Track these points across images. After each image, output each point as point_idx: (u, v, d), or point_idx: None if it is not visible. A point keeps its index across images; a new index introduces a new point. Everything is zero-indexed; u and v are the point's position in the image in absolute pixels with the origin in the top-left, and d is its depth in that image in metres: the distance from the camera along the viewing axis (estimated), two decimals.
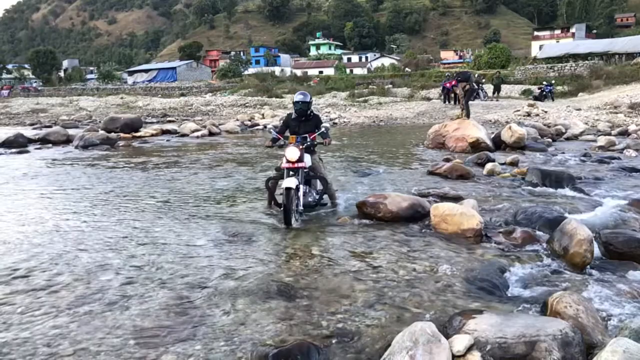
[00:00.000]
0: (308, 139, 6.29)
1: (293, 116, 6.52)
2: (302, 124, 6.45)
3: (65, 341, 3.26)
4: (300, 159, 5.94)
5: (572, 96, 31.62)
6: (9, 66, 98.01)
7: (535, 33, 77.14)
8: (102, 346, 3.18)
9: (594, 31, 74.99)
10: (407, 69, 57.24)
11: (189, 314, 3.63)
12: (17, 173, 10.59)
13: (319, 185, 6.58)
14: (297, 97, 6.50)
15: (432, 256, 4.80)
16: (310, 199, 6.36)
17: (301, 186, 5.94)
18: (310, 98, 6.54)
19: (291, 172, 5.95)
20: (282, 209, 5.80)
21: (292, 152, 5.90)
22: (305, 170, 6.12)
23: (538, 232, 5.49)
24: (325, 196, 6.56)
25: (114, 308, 3.74)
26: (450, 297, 3.86)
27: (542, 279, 4.33)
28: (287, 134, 6.49)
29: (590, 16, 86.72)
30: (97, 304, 3.83)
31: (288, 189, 5.64)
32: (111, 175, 10.13)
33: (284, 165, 5.99)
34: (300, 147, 6.02)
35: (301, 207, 5.97)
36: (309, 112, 6.47)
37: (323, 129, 6.37)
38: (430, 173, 9.34)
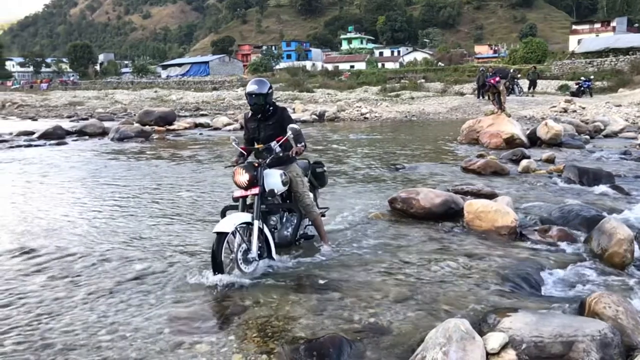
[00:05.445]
0: (274, 148, 4.45)
1: (249, 115, 4.76)
2: (262, 124, 4.63)
3: (103, 328, 3.36)
4: (253, 183, 4.26)
5: (611, 92, 30.68)
6: (48, 60, 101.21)
7: (574, 27, 75.12)
8: (138, 333, 3.26)
9: (636, 25, 72.55)
10: (440, 63, 56.53)
11: (223, 304, 3.68)
12: (57, 164, 10.91)
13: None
14: (250, 87, 4.57)
15: (466, 253, 4.74)
16: (287, 233, 4.67)
17: (256, 222, 4.16)
18: (269, 89, 4.58)
19: (249, 200, 4.38)
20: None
21: (239, 176, 4.27)
22: (268, 199, 4.46)
23: (575, 231, 5.36)
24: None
25: (149, 297, 3.82)
26: (484, 295, 3.81)
27: (579, 278, 4.23)
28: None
29: (632, 9, 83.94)
30: (132, 292, 3.92)
31: (219, 235, 3.98)
32: (147, 167, 10.33)
33: (235, 194, 4.42)
34: (255, 164, 4.34)
35: (253, 255, 4.11)
36: (267, 106, 4.60)
37: (290, 133, 4.41)
38: (464, 169, 9.22)
